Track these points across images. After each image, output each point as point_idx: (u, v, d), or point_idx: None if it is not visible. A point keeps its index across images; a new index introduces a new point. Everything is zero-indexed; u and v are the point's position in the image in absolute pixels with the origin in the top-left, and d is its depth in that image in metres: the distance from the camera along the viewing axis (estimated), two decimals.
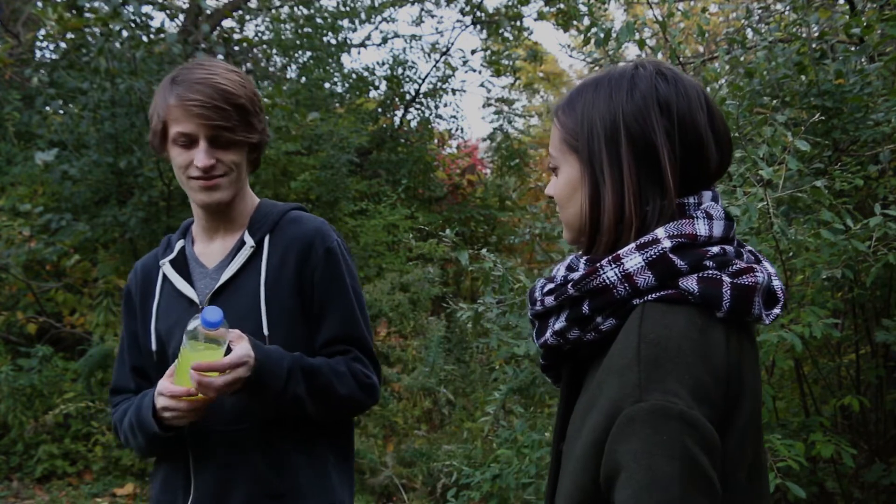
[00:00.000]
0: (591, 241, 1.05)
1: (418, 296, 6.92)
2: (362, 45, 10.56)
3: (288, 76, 9.68)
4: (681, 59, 3.48)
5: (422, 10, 10.61)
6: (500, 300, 3.18)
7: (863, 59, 3.19)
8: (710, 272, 0.97)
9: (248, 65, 9.45)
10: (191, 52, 6.30)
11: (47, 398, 5.46)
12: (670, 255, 0.97)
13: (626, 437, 0.88)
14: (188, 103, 1.53)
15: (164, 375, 1.53)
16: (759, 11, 4.62)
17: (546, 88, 14.54)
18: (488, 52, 10.58)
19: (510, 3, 10.18)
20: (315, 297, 1.64)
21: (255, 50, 9.80)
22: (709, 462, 0.87)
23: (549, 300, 1.06)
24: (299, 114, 7.32)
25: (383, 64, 10.12)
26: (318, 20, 9.61)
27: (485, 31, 10.55)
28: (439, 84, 10.22)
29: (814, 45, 3.10)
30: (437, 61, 10.26)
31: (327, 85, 9.56)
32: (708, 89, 2.94)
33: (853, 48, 3.17)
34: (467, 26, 10.41)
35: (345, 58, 10.14)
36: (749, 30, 3.89)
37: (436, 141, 10.30)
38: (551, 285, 1.08)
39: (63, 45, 7.12)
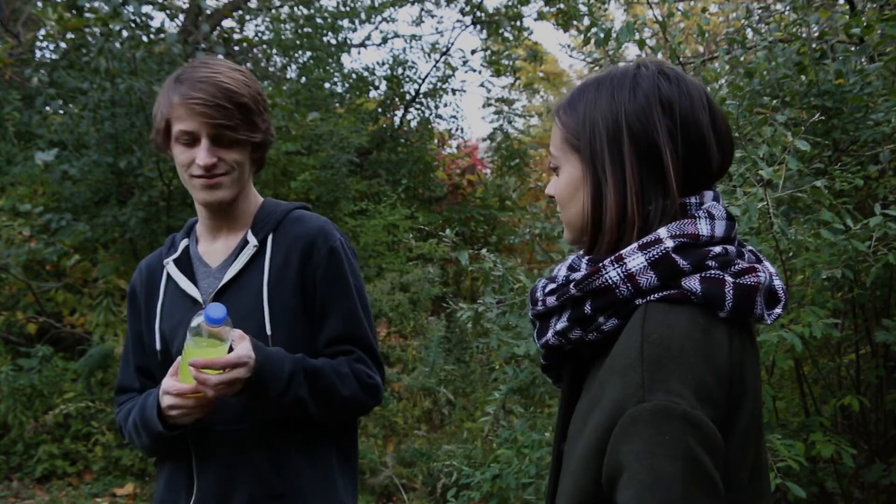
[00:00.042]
0: (593, 240, 1.05)
1: (418, 296, 6.92)
2: (362, 45, 10.56)
3: (288, 76, 9.68)
4: (681, 59, 3.48)
5: (422, 10, 10.62)
6: (500, 300, 3.18)
7: (863, 59, 3.20)
8: (713, 272, 0.97)
9: (248, 65, 9.45)
10: (191, 52, 6.30)
11: (47, 398, 5.46)
12: (673, 255, 0.97)
13: (628, 438, 0.88)
14: (191, 101, 1.53)
15: (167, 373, 1.53)
16: (759, 11, 4.62)
17: (546, 88, 14.54)
18: (488, 52, 10.58)
19: (510, 3, 10.18)
20: (317, 296, 1.64)
21: (255, 50, 9.80)
22: (711, 462, 0.87)
23: (551, 300, 1.06)
24: (299, 114, 7.32)
25: (383, 64, 10.13)
26: (318, 20, 9.61)
27: (485, 31, 10.55)
28: (439, 84, 10.22)
29: (814, 45, 3.10)
30: (437, 61, 10.26)
31: (327, 85, 9.56)
32: (708, 89, 2.94)
33: (853, 48, 3.17)
34: (467, 26, 10.41)
35: (345, 58, 10.15)
36: (749, 30, 3.89)
37: (436, 141, 10.30)
38: (553, 285, 1.07)
39: (63, 45, 7.12)
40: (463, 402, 6.13)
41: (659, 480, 0.85)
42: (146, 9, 6.65)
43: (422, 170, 9.36)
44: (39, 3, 7.42)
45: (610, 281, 0.98)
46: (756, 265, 1.01)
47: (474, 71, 11.11)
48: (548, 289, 1.08)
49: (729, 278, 0.97)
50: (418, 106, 10.16)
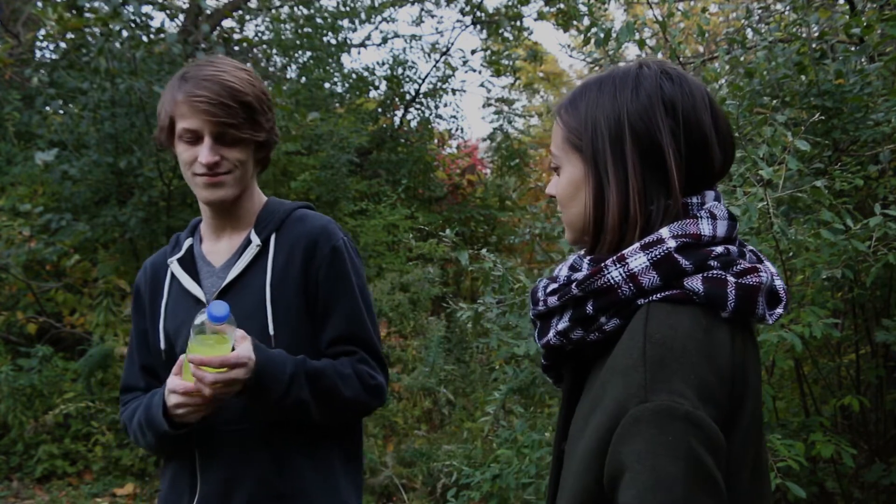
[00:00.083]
0: (595, 240, 1.05)
1: (418, 296, 6.92)
2: (362, 45, 10.56)
3: (288, 76, 9.68)
4: (681, 59, 3.48)
5: (422, 10, 10.62)
6: (500, 300, 3.18)
7: (863, 59, 3.20)
8: (715, 272, 0.97)
9: (248, 65, 9.44)
10: (191, 52, 6.30)
11: (47, 398, 5.46)
12: (675, 255, 0.96)
13: (630, 438, 0.88)
14: (194, 99, 1.53)
15: (172, 371, 1.53)
16: (759, 11, 4.62)
17: (546, 88, 14.54)
18: (488, 52, 10.58)
19: (510, 3, 10.18)
20: (320, 295, 1.63)
21: (255, 50, 9.80)
22: (714, 462, 0.87)
23: (553, 300, 1.06)
24: (299, 114, 7.32)
25: (383, 64, 10.13)
26: (318, 20, 9.61)
27: (485, 31, 10.54)
28: (439, 84, 10.22)
29: (814, 45, 3.10)
30: (437, 61, 10.26)
31: (327, 85, 9.56)
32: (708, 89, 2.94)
33: (853, 48, 3.17)
34: (467, 26, 10.41)
35: (345, 58, 10.15)
36: (749, 30, 3.89)
37: (436, 141, 10.30)
38: (554, 285, 1.07)
39: (63, 45, 7.12)
40: (463, 402, 6.13)
41: (661, 481, 0.85)
42: (146, 9, 6.65)
43: (422, 170, 9.36)
44: (39, 3, 7.42)
45: (612, 281, 0.98)
46: (758, 265, 1.01)
47: (474, 71, 11.12)
48: (549, 289, 1.08)
49: (731, 278, 0.97)
50: (418, 106, 10.16)
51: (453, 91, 10.31)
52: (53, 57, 7.70)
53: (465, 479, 3.26)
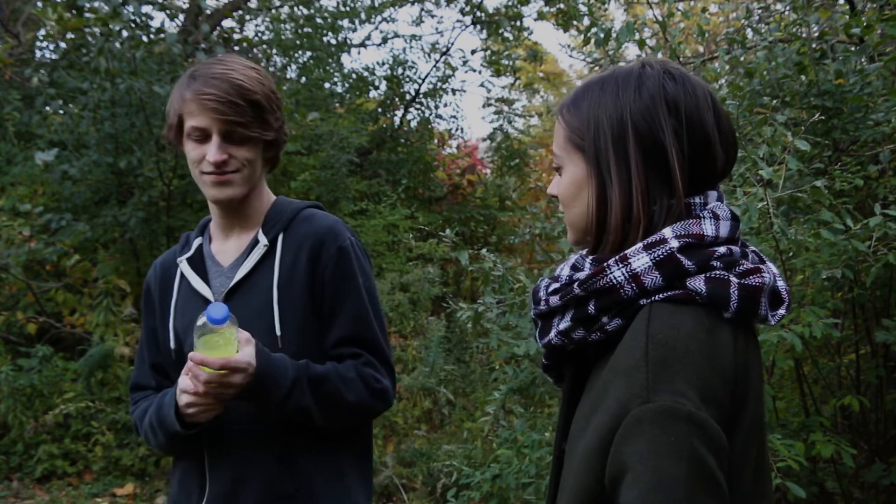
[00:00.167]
0: (598, 240, 1.05)
1: (418, 296, 6.92)
2: (362, 45, 10.56)
3: (288, 76, 9.67)
4: (681, 59, 3.48)
5: (422, 10, 10.62)
6: (500, 300, 3.18)
7: (863, 59, 3.20)
8: (718, 272, 0.97)
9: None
10: (191, 52, 6.30)
11: (47, 398, 5.45)
12: (678, 255, 0.96)
13: (633, 438, 0.88)
14: (203, 97, 1.53)
15: (182, 371, 1.53)
16: (759, 11, 4.62)
17: (546, 88, 14.54)
18: (488, 52, 10.58)
19: (510, 3, 10.18)
20: (326, 295, 1.62)
21: (255, 50, 9.79)
22: (716, 463, 0.87)
23: (554, 300, 1.06)
24: (299, 114, 7.32)
25: (383, 64, 10.13)
26: (318, 20, 9.61)
27: (485, 31, 10.55)
28: (439, 84, 10.22)
29: (814, 45, 3.11)
30: (437, 61, 10.26)
31: (327, 85, 9.56)
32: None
33: (853, 48, 3.18)
34: (467, 26, 10.41)
35: (345, 58, 10.15)
36: (749, 30, 3.89)
37: (436, 141, 10.30)
38: (556, 285, 1.07)
39: (63, 45, 7.12)
40: (463, 402, 6.13)
41: (663, 481, 0.84)
42: (146, 9, 6.65)
43: (422, 170, 9.36)
44: (39, 3, 7.42)
45: (614, 281, 0.98)
46: (760, 266, 1.01)
47: (474, 71, 11.12)
48: (551, 288, 1.08)
49: (734, 279, 0.96)
50: (418, 106, 10.16)
51: (453, 91, 10.32)
52: (53, 57, 7.69)
53: (465, 479, 3.27)
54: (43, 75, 6.55)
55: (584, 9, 3.55)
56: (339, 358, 1.63)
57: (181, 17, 8.77)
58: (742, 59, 3.35)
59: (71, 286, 6.32)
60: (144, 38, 6.44)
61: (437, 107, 10.21)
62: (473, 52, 11.40)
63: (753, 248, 1.08)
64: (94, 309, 6.00)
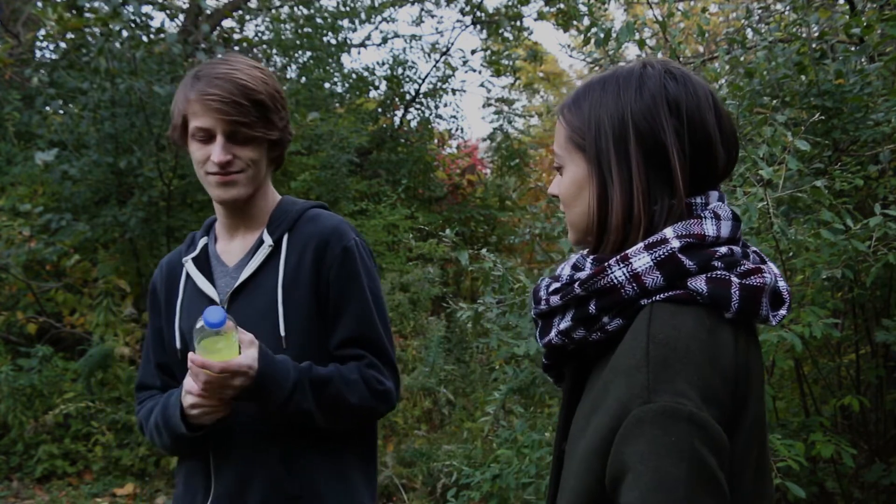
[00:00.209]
0: (598, 240, 1.05)
1: (418, 296, 6.92)
2: (362, 45, 10.56)
3: (288, 76, 9.67)
4: (681, 59, 3.48)
5: (422, 10, 10.62)
6: (500, 300, 3.18)
7: (863, 59, 3.20)
8: (719, 273, 0.97)
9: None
10: (191, 52, 6.30)
11: (47, 398, 5.45)
12: (679, 256, 0.96)
13: (633, 439, 0.88)
14: (207, 98, 1.53)
15: (187, 374, 1.53)
16: (759, 11, 4.62)
17: (546, 88, 14.54)
18: (488, 52, 10.57)
19: (510, 3, 10.18)
20: (330, 295, 1.61)
21: (255, 50, 9.79)
22: (717, 463, 0.87)
23: (555, 299, 1.06)
24: (299, 114, 7.32)
25: (383, 64, 10.12)
26: (318, 20, 9.60)
27: (485, 31, 10.54)
28: (439, 84, 10.21)
29: (814, 45, 3.11)
30: (437, 61, 10.26)
31: (327, 85, 9.55)
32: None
33: (853, 48, 3.18)
34: (467, 26, 10.41)
35: (345, 58, 10.14)
36: (749, 30, 3.89)
37: (436, 141, 10.30)
38: (557, 284, 1.07)
39: (63, 45, 7.12)
40: (463, 402, 6.13)
41: (664, 482, 0.84)
42: (146, 9, 6.65)
43: (422, 170, 9.36)
44: (39, 3, 7.42)
45: (615, 281, 0.98)
46: (761, 266, 1.01)
47: (474, 71, 11.10)
48: (551, 288, 1.07)
49: (735, 279, 0.96)
50: (418, 106, 10.16)
51: (453, 91, 10.32)
52: (53, 57, 7.70)
53: (465, 479, 3.27)
54: (43, 75, 6.55)
55: (584, 9, 3.55)
56: (342, 359, 1.62)
57: (181, 17, 8.77)
58: (742, 59, 3.35)
59: (71, 286, 6.32)
60: (144, 38, 6.44)
61: (437, 107, 10.21)
62: (473, 52, 11.40)
63: (754, 249, 1.08)
64: (94, 309, 6.00)
